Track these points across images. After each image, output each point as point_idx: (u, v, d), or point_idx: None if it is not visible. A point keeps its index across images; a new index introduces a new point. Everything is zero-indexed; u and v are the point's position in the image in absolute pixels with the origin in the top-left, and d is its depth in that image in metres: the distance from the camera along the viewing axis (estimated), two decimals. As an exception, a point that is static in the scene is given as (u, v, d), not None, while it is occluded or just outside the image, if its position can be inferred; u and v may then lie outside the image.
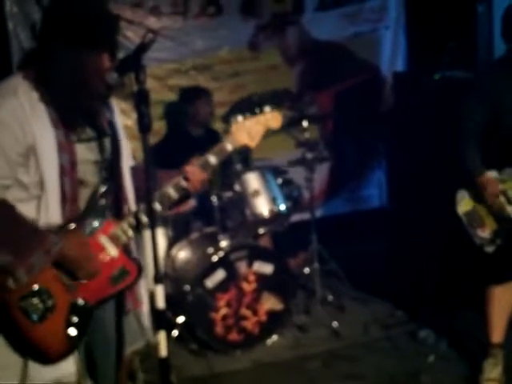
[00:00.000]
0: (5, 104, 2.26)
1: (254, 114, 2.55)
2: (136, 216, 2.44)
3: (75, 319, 2.38)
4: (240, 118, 2.54)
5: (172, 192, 2.51)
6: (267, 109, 2.57)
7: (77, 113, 2.35)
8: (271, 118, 2.59)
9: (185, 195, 2.55)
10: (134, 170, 2.62)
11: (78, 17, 2.26)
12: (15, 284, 2.25)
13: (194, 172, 2.52)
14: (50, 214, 2.33)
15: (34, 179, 2.30)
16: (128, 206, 2.55)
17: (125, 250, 2.49)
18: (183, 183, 2.51)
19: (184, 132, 5.05)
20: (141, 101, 2.18)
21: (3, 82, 2.38)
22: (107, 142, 2.48)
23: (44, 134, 2.30)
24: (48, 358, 2.37)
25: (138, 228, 2.45)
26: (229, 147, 2.55)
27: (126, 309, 2.59)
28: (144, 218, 2.42)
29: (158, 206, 2.47)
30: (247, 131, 2.55)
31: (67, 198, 2.35)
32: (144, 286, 2.62)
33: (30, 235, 2.28)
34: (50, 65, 2.29)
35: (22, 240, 2.26)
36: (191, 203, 4.46)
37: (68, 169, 2.34)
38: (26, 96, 2.28)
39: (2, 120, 2.24)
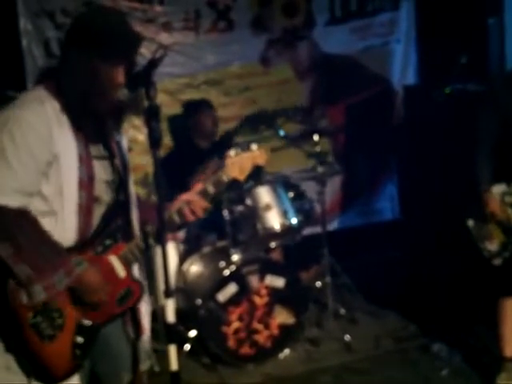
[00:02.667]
0: (34, 110, 2.28)
1: (243, 149, 2.73)
2: (145, 233, 2.47)
3: (80, 340, 2.40)
4: (232, 152, 2.70)
5: (176, 217, 2.59)
6: (254, 147, 2.74)
7: (89, 122, 2.37)
8: (258, 155, 2.74)
9: (184, 222, 2.64)
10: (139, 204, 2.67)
11: (97, 27, 2.30)
12: (28, 300, 2.26)
13: (196, 201, 2.61)
14: (66, 226, 2.34)
15: (54, 190, 2.31)
16: (135, 227, 2.58)
17: (130, 271, 2.52)
18: (186, 210, 2.59)
19: (191, 145, 5.07)
20: (151, 116, 2.20)
21: (26, 93, 2.41)
22: (117, 162, 2.51)
23: (67, 144, 2.32)
24: (53, 376, 2.38)
25: (146, 249, 2.49)
26: (224, 178, 2.67)
27: (130, 336, 2.62)
28: (151, 240, 2.47)
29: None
30: (239, 165, 2.69)
31: (82, 212, 2.37)
32: (146, 311, 2.66)
33: (54, 253, 2.29)
34: (66, 74, 2.33)
35: (45, 256, 2.26)
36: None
37: (86, 183, 2.36)
38: (50, 105, 2.31)
39: (32, 124, 2.25)
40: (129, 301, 2.51)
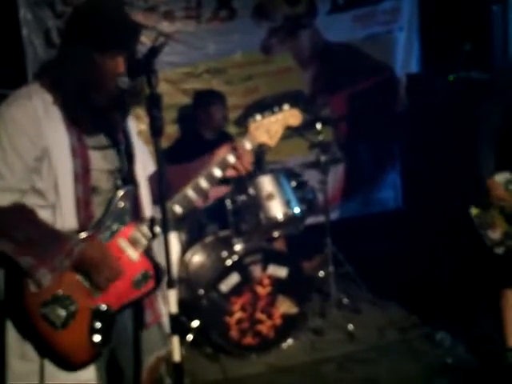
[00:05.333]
0: (19, 106, 2.27)
1: (272, 112, 2.52)
2: (152, 220, 2.44)
3: (98, 325, 2.37)
4: (258, 116, 2.50)
5: (217, 171, 2.46)
6: (286, 107, 2.53)
7: (87, 113, 2.35)
8: (290, 115, 2.55)
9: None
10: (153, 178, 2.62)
11: (95, 18, 2.27)
12: (37, 288, 2.26)
13: (243, 150, 2.48)
14: (66, 220, 2.33)
15: (49, 184, 2.30)
16: (145, 212, 2.56)
17: (146, 254, 2.48)
18: (231, 159, 2.46)
19: (197, 135, 5.04)
20: (153, 105, 2.17)
21: (17, 90, 2.39)
22: (122, 150, 2.49)
23: (57, 137, 2.30)
24: (72, 364, 2.37)
25: (154, 232, 2.45)
26: (247, 146, 2.50)
27: (146, 322, 2.58)
28: (157, 225, 2.42)
29: (178, 209, 2.47)
30: (266, 129, 2.51)
31: (80, 204, 2.36)
32: (161, 295, 2.62)
33: (51, 238, 2.28)
34: (64, 65, 2.30)
35: (43, 243, 2.26)
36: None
37: (81, 174, 2.35)
38: (39, 99, 2.29)
39: (18, 122, 2.24)
40: (147, 284, 2.45)
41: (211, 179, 2.47)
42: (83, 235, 2.33)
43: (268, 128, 2.52)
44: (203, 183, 2.47)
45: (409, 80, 5.80)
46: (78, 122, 2.34)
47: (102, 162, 2.42)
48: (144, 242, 2.44)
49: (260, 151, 4.53)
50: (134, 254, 2.43)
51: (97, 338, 2.37)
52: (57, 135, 2.30)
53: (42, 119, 2.28)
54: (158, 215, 2.41)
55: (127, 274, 2.42)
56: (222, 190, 4.04)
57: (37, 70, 2.49)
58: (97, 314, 2.38)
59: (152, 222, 2.43)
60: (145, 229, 2.44)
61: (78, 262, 2.30)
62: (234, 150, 2.47)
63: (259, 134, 2.51)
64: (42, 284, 2.26)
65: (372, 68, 6.01)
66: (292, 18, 5.72)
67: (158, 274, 2.47)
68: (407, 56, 6.06)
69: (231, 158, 2.48)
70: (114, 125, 2.45)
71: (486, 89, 3.77)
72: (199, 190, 2.47)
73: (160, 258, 2.39)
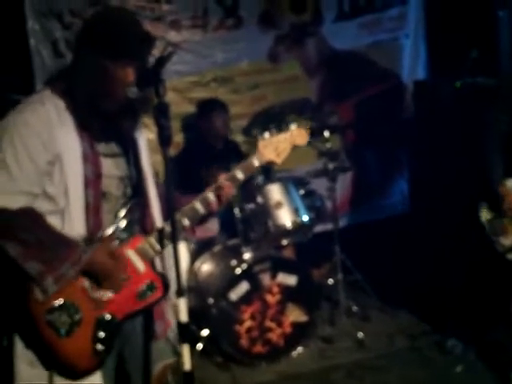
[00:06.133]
0: (34, 111, 2.29)
1: (279, 130, 2.58)
2: (161, 231, 2.44)
3: (102, 334, 2.38)
4: (267, 134, 2.56)
5: (199, 207, 2.52)
6: (293, 126, 2.60)
7: (97, 121, 2.36)
8: (297, 134, 2.63)
9: (209, 213, 2.56)
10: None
11: (108, 27, 2.30)
12: (43, 295, 2.27)
13: (225, 186, 2.53)
14: (74, 225, 2.34)
15: (59, 189, 2.32)
16: (154, 221, 2.56)
17: (152, 265, 2.49)
18: (211, 197, 2.51)
19: (204, 144, 5.04)
20: (161, 114, 2.19)
21: (30, 96, 2.42)
22: (131, 158, 2.50)
23: (70, 142, 2.32)
24: (75, 372, 2.38)
25: (163, 243, 2.45)
26: (256, 163, 2.56)
27: (157, 333, 2.59)
28: (167, 234, 2.42)
29: (186, 221, 2.48)
30: (274, 148, 2.57)
31: (90, 210, 2.36)
32: (170, 304, 2.62)
33: (60, 244, 2.29)
34: (76, 74, 2.33)
35: (51, 249, 2.27)
36: (214, 228, 4.50)
37: (92, 180, 2.36)
38: (52, 105, 2.32)
39: (31, 126, 2.26)
40: (151, 296, 2.47)
41: (193, 216, 2.51)
42: (91, 241, 2.35)
43: (276, 146, 2.58)
44: (186, 221, 2.51)
45: (416, 87, 5.79)
46: (89, 128, 2.36)
47: (113, 168, 2.44)
48: (152, 253, 2.46)
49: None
50: (140, 265, 2.45)
51: (100, 346, 2.38)
52: (69, 140, 2.32)
53: (54, 124, 2.30)
54: (167, 226, 2.43)
55: (132, 285, 2.43)
56: (208, 232, 4.24)
57: (48, 77, 2.50)
58: (101, 324, 2.39)
59: (161, 234, 2.44)
60: (153, 241, 2.45)
61: (88, 266, 2.31)
62: (218, 189, 2.51)
63: (268, 152, 2.57)
64: (48, 292, 2.27)
65: (379, 75, 6.00)
66: (298, 26, 5.72)
67: (164, 284, 2.49)
68: (414, 63, 6.06)
69: (211, 196, 2.52)
70: (123, 133, 2.46)
71: (492, 95, 3.77)
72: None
73: (169, 267, 2.40)
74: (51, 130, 2.29)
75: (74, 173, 2.33)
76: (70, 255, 2.28)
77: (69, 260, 2.27)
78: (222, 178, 2.53)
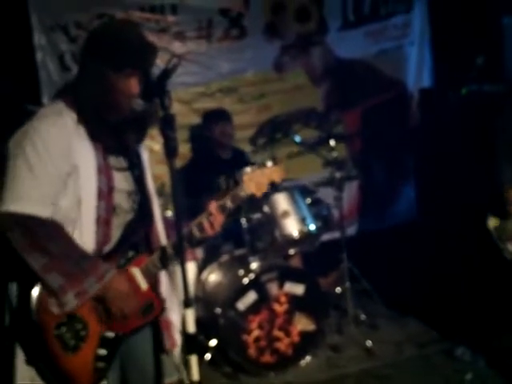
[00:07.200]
0: (53, 122, 2.30)
1: (258, 166, 2.70)
2: (164, 250, 2.46)
3: (104, 352, 2.40)
4: (248, 169, 2.68)
5: (196, 231, 2.55)
6: (269, 163, 2.70)
7: (106, 133, 2.38)
8: (273, 171, 2.70)
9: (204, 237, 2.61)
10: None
11: (112, 39, 2.32)
12: (59, 309, 2.27)
13: (215, 213, 2.57)
14: (84, 237, 2.35)
15: (71, 201, 2.32)
16: (158, 239, 2.58)
17: (153, 284, 2.53)
18: (205, 223, 2.55)
19: (211, 154, 5.05)
20: (166, 126, 2.20)
21: (44, 107, 2.44)
22: (137, 173, 2.51)
23: (86, 154, 2.34)
24: None
25: (166, 262, 2.48)
26: (242, 194, 2.64)
27: (165, 347, 2.61)
28: (171, 253, 2.46)
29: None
30: (255, 182, 2.65)
31: (100, 223, 2.37)
32: (178, 326, 2.65)
33: (84, 260, 2.30)
34: (82, 85, 2.35)
35: (75, 262, 2.27)
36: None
37: (105, 193, 2.37)
38: (68, 117, 2.33)
39: (53, 136, 2.27)
40: (151, 313, 2.50)
41: (191, 238, 2.55)
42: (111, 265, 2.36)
43: (257, 180, 2.66)
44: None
45: (421, 94, 5.80)
46: (100, 140, 2.37)
47: (122, 182, 2.45)
48: (155, 272, 2.48)
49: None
50: (143, 284, 2.47)
51: (101, 364, 2.40)
52: (85, 152, 2.34)
53: (72, 136, 2.31)
54: (169, 247, 2.47)
55: (136, 303, 2.44)
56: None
57: (55, 90, 2.52)
58: (104, 341, 2.40)
59: (163, 252, 2.46)
60: (157, 260, 2.47)
61: (103, 290, 2.31)
62: (209, 216, 2.56)
63: (251, 185, 2.65)
64: (67, 307, 2.26)
65: (384, 83, 6.01)
66: (303, 36, 5.74)
67: (160, 303, 2.54)
68: (419, 70, 6.06)
69: (204, 221, 2.56)
70: (130, 147, 2.48)
71: (498, 101, 3.76)
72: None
73: (177, 278, 2.41)
74: (70, 141, 2.30)
75: (89, 185, 2.34)
76: (95, 271, 2.28)
77: (93, 275, 2.28)
78: (213, 207, 2.57)
